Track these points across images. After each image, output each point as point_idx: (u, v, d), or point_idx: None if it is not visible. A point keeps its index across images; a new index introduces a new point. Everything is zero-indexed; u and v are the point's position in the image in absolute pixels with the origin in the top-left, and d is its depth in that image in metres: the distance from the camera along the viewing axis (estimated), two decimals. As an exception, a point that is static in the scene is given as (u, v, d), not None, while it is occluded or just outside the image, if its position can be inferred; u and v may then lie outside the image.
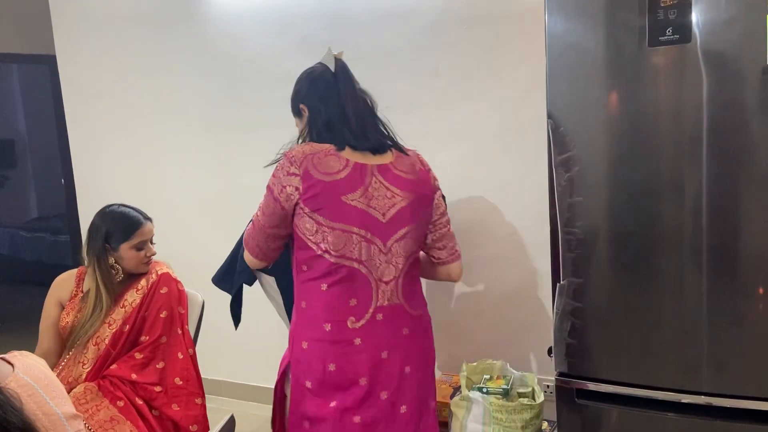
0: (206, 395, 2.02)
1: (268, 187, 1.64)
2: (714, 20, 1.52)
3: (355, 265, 1.60)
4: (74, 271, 2.05)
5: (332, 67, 1.71)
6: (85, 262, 2.00)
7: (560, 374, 1.79)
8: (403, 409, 1.67)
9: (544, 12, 1.69)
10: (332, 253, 1.59)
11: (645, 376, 1.69)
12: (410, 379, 1.69)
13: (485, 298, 2.58)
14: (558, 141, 1.70)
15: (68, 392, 1.32)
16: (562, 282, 1.74)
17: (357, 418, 1.62)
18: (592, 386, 1.75)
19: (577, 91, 1.69)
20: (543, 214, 1.84)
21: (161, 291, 1.97)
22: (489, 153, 2.50)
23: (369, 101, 1.74)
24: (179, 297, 2.00)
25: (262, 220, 1.68)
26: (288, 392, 1.75)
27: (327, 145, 1.63)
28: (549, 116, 1.72)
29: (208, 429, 1.97)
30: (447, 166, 2.58)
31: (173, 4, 3.07)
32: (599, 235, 1.71)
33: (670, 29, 1.54)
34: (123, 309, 1.92)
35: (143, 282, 1.97)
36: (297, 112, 1.78)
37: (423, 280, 1.79)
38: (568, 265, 1.73)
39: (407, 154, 1.76)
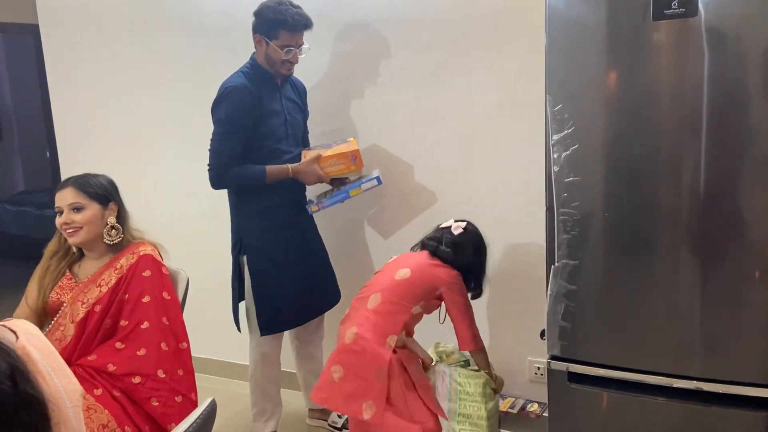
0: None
1: None
2: (721, -6, 1.46)
3: None
4: None
5: None
6: None
7: (552, 357, 1.77)
8: None
9: (544, -16, 1.63)
10: None
11: (637, 360, 1.68)
12: None
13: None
14: (556, 119, 1.66)
15: None
16: (556, 264, 1.71)
17: None
18: (584, 370, 1.73)
19: (577, 66, 1.64)
20: (539, 193, 1.79)
21: (143, 274, 1.83)
22: (484, 131, 2.45)
23: None
24: (162, 282, 1.85)
25: None
26: None
27: None
28: (547, 93, 1.67)
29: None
30: (441, 144, 2.53)
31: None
32: (595, 216, 1.67)
33: (675, 2, 1.49)
34: (98, 288, 1.83)
35: (123, 261, 1.86)
36: None
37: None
38: (563, 246, 1.70)
39: None
